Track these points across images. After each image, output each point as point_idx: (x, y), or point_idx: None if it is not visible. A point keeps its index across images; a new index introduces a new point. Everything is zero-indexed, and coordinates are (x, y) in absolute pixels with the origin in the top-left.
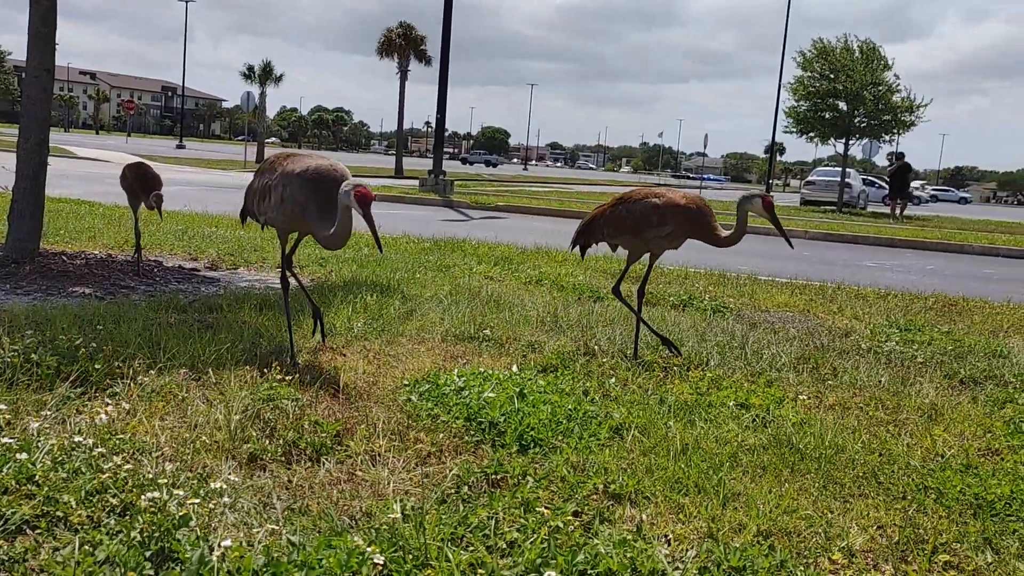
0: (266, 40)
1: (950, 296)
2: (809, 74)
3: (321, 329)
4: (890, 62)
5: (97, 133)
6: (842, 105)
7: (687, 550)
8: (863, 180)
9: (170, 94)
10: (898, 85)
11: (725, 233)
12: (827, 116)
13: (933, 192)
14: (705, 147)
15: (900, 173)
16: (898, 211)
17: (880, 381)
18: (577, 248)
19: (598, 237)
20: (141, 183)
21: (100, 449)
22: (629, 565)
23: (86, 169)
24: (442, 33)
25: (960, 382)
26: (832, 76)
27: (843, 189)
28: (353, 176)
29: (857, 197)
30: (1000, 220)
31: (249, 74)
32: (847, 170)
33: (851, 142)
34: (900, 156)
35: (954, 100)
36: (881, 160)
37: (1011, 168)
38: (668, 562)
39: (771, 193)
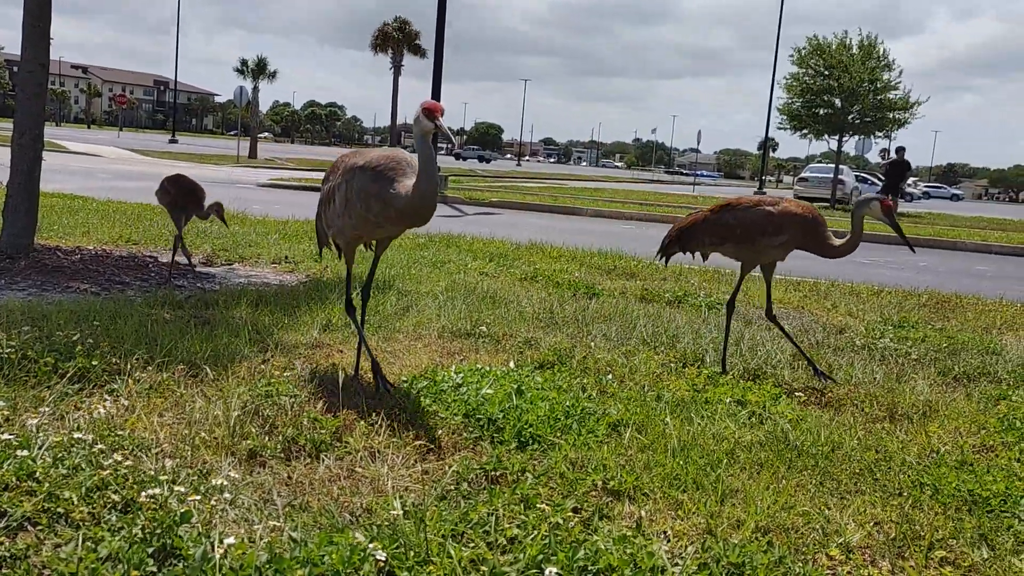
0: (259, 34)
1: (943, 293)
2: (804, 70)
3: (382, 383)
4: (891, 61)
5: (89, 127)
6: (837, 102)
7: (686, 546)
8: (856, 176)
9: (162, 88)
10: (898, 82)
11: (838, 242)
12: (821, 112)
13: (925, 189)
14: (699, 143)
15: (898, 169)
16: None
17: (875, 378)
18: (663, 257)
19: (696, 245)
20: (184, 195)
21: (100, 446)
22: (629, 561)
23: (79, 164)
24: (436, 28)
25: (954, 379)
26: (827, 73)
27: (836, 186)
28: None
29: (850, 194)
30: (992, 217)
31: (243, 69)
32: (840, 167)
33: (844, 139)
34: (900, 151)
35: (946, 97)
36: (874, 157)
37: (1003, 165)
38: (668, 558)
39: (763, 190)
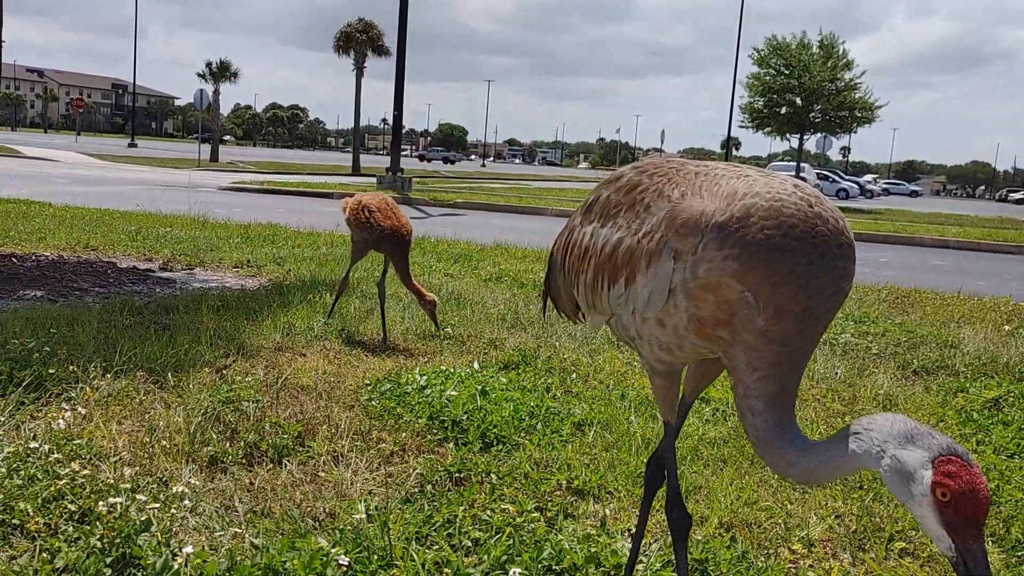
0: (219, 35)
1: (903, 288)
2: (764, 70)
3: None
4: (851, 60)
5: (46, 132)
6: (798, 100)
7: (650, 544)
8: (818, 174)
9: (121, 91)
10: (858, 81)
11: None
12: (783, 111)
13: (885, 186)
14: (662, 143)
15: None
16: None
17: (836, 373)
18: None
19: None
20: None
21: (56, 455)
22: (593, 560)
23: (35, 169)
24: (398, 30)
25: (913, 372)
26: (788, 72)
27: None
28: (308, 175)
29: None
30: (950, 213)
31: (206, 74)
32: (802, 164)
33: (806, 137)
34: None
35: (904, 94)
36: (835, 155)
37: (960, 161)
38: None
39: None
